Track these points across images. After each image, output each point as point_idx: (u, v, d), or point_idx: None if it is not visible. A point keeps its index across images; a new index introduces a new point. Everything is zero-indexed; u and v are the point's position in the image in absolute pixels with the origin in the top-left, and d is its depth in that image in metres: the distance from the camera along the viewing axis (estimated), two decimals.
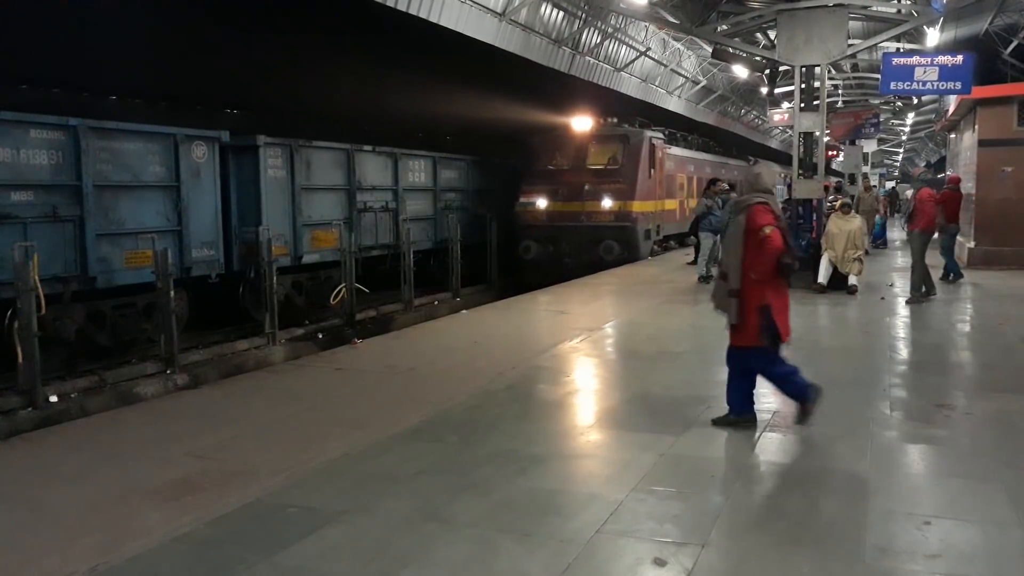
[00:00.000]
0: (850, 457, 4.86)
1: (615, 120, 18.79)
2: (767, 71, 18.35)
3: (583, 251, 17.00)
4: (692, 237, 18.34)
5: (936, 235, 12.78)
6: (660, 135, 19.29)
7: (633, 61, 23.98)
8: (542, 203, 17.47)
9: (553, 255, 17.21)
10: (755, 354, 5.21)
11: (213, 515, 4.07)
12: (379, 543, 3.76)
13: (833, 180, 24.38)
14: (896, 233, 22.60)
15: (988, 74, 17.26)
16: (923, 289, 11.25)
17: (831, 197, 16.61)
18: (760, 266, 4.97)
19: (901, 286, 12.93)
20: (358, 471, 4.74)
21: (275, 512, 4.12)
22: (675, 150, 21.01)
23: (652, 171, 18.02)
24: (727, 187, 15.16)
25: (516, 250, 17.42)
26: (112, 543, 3.76)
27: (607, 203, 17.02)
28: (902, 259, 16.56)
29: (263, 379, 7.51)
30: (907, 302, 11.03)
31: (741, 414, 5.40)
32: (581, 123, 18.08)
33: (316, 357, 8.61)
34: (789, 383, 5.30)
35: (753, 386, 5.43)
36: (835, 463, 4.77)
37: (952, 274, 13.31)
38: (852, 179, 26.22)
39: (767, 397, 6.43)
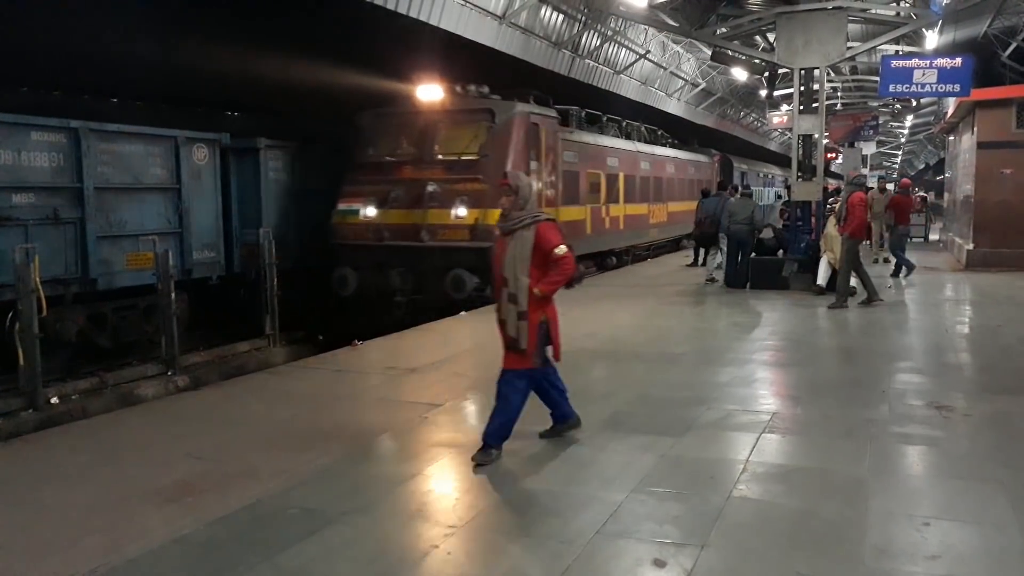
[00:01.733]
0: (849, 458, 4.86)
1: (484, 89, 12.74)
2: (766, 74, 18.39)
3: (424, 284, 11.65)
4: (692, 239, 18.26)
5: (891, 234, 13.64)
6: (550, 113, 13.34)
7: (633, 64, 24.04)
8: (368, 212, 11.84)
9: (382, 290, 11.71)
10: (532, 375, 4.96)
11: (213, 516, 4.07)
12: (379, 544, 3.76)
13: (832, 183, 24.37)
14: None
15: (987, 76, 17.32)
16: (847, 296, 10.93)
17: (831, 200, 16.64)
18: (551, 286, 4.82)
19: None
20: (358, 472, 4.75)
21: (276, 513, 4.13)
22: (585, 136, 15.17)
23: (535, 164, 12.47)
24: (735, 189, 15.18)
25: (331, 281, 11.98)
26: (113, 544, 3.77)
27: (459, 212, 11.38)
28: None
29: (264, 381, 7.51)
30: (829, 307, 10.78)
31: (566, 421, 5.30)
32: (428, 92, 12.22)
33: (317, 359, 8.62)
34: (560, 404, 5.24)
35: (563, 392, 5.25)
36: (834, 464, 4.77)
37: (905, 269, 14.10)
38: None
39: (766, 399, 6.45)
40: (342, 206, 12.16)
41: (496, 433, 4.89)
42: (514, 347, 4.84)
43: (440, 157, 12.05)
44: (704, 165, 24.19)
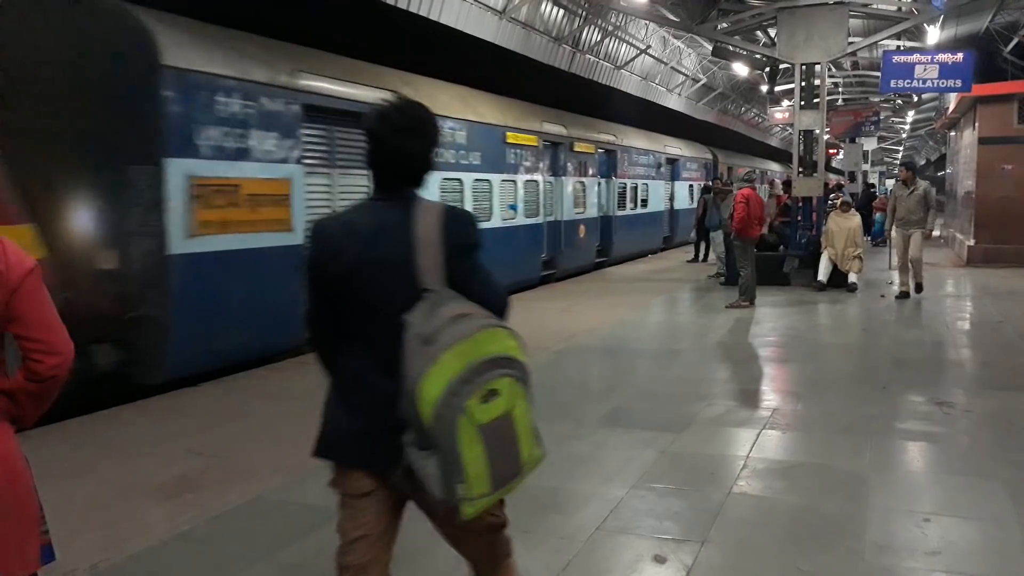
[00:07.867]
0: (850, 454, 4.86)
1: None
2: (767, 69, 18.35)
3: None
4: (693, 234, 18.26)
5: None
6: None
7: (633, 59, 23.99)
8: None
9: None
10: None
11: (214, 512, 4.07)
12: None
13: (833, 178, 24.17)
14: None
15: (988, 72, 17.30)
16: (745, 295, 10.76)
17: (832, 196, 16.50)
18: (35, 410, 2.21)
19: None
20: None
21: (276, 509, 4.13)
22: None
23: None
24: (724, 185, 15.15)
25: None
26: (113, 540, 3.77)
27: None
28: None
29: (264, 376, 7.51)
30: (727, 306, 10.72)
31: None
32: None
33: None
34: None
35: None
36: (835, 460, 4.77)
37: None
38: (852, 177, 26.21)
39: (767, 394, 6.45)
40: None
41: None
42: None
43: None
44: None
